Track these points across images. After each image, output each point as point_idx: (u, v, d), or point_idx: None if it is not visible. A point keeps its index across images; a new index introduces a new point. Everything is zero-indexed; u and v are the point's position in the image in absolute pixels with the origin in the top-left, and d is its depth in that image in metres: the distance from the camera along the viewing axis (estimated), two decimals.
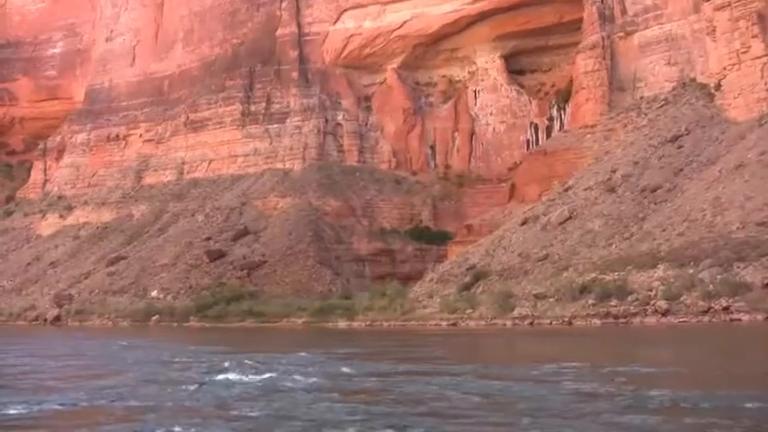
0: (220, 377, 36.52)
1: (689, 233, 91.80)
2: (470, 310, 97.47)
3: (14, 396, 30.29)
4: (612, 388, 29.37)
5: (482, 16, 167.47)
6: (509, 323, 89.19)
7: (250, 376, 36.45)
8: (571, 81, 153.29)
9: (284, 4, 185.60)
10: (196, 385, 33.20)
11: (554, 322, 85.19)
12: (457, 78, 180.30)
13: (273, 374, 37.11)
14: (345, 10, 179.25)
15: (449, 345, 65.72)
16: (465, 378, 34.58)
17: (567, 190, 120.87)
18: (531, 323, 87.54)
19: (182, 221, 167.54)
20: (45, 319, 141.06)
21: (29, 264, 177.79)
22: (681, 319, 75.88)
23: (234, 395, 30.21)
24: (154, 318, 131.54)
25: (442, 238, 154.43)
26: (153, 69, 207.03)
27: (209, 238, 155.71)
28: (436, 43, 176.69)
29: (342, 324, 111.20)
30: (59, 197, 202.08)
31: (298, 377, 35.67)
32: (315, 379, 35.57)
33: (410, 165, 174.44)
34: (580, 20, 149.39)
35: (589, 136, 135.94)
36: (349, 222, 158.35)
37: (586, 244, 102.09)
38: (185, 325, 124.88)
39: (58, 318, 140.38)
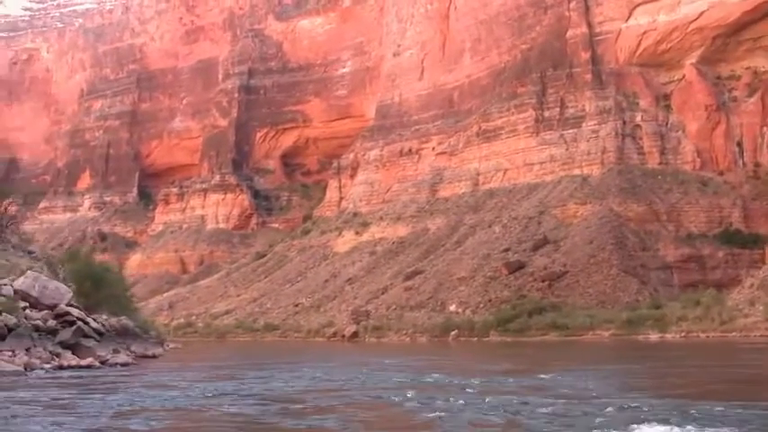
0: None
1: None
2: None
3: None
4: None
5: None
6: None
7: None
8: None
9: (572, 5, 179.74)
10: None
11: None
12: (762, 69, 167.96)
13: None
14: (637, 5, 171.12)
15: None
16: None
17: None
18: None
19: (478, 233, 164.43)
20: (343, 336, 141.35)
21: (326, 281, 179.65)
22: None
23: None
24: (452, 333, 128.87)
25: (756, 241, 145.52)
26: (442, 81, 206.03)
27: (507, 250, 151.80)
28: (737, 33, 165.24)
29: (653, 336, 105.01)
30: (355, 214, 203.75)
31: None
32: None
33: (716, 164, 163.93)
34: None
35: None
36: (653, 228, 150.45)
37: None
38: (485, 339, 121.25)
39: (355, 334, 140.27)
